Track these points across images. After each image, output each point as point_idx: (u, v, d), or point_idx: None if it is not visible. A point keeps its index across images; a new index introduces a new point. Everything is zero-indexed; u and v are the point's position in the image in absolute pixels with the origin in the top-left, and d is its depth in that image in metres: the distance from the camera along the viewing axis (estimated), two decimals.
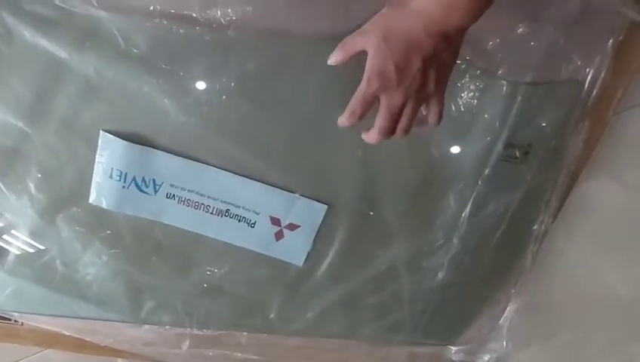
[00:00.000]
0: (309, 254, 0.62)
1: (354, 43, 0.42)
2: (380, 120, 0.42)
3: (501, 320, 0.67)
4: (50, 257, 0.62)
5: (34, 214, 0.59)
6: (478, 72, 0.48)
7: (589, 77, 0.49)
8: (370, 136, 0.44)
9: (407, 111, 0.41)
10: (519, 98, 0.49)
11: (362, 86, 0.41)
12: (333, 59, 0.43)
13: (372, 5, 0.45)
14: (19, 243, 0.62)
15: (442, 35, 0.37)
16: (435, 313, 0.66)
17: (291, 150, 0.54)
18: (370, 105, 0.42)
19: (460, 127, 0.51)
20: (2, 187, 0.57)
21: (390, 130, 0.42)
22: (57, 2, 0.46)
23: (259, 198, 0.57)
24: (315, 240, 0.60)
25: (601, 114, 0.53)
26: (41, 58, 0.49)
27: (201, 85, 0.50)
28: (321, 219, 0.59)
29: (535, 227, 0.59)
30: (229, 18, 0.46)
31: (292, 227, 0.60)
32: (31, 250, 0.62)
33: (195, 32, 0.47)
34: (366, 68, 0.40)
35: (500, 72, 0.48)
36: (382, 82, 0.39)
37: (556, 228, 0.61)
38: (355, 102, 0.42)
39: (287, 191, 0.57)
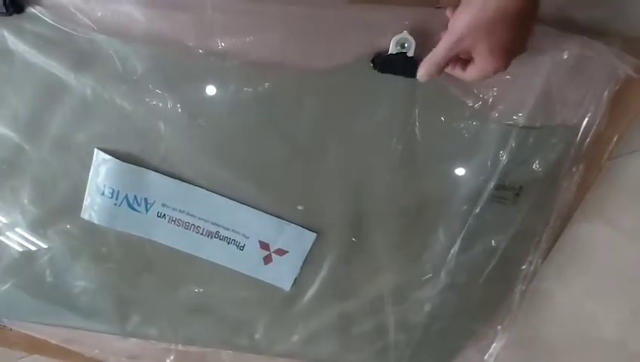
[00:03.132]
0: (296, 279, 0.62)
1: (448, 56, 0.41)
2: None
3: (486, 356, 0.66)
4: (40, 267, 0.63)
5: (25, 226, 0.60)
6: (472, 113, 0.48)
7: (584, 123, 0.48)
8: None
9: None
10: (512, 140, 0.49)
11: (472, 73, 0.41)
12: (423, 75, 0.43)
13: (367, 41, 0.46)
14: (10, 252, 0.63)
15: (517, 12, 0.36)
16: (420, 344, 0.65)
17: (283, 177, 0.54)
18: None
19: (452, 166, 0.51)
20: None
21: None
22: (57, 24, 0.47)
23: (249, 222, 0.58)
24: (303, 266, 0.61)
25: (596, 159, 0.52)
26: (40, 77, 0.50)
27: (195, 110, 0.51)
28: (310, 246, 0.59)
29: (524, 266, 0.59)
30: (225, 48, 0.47)
31: (281, 252, 0.60)
32: (22, 260, 0.63)
33: (191, 60, 0.47)
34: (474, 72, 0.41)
35: (494, 114, 0.48)
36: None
37: (546, 267, 0.61)
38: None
39: (277, 217, 0.57)
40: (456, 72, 0.43)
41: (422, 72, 0.43)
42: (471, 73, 0.42)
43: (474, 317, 0.64)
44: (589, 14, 0.44)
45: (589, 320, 0.64)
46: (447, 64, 0.42)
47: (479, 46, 0.39)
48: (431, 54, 0.42)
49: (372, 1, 0.44)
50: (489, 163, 0.50)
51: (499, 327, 0.64)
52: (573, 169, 0.52)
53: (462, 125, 0.48)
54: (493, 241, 0.56)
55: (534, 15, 0.39)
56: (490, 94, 0.47)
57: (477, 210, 0.53)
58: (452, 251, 0.57)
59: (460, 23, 0.39)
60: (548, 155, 0.50)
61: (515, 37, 0.38)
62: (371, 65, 0.45)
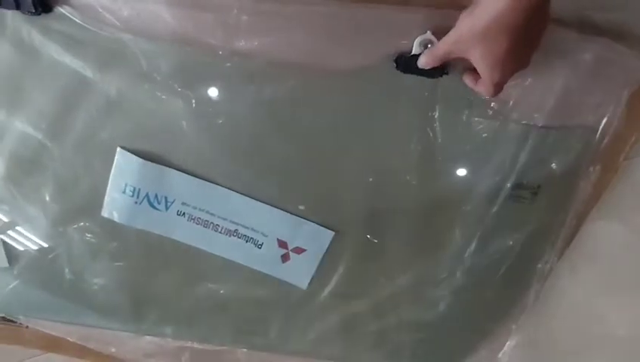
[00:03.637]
0: (313, 277, 0.62)
1: (448, 53, 0.42)
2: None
3: (500, 354, 0.67)
4: (59, 265, 0.64)
5: (46, 223, 0.60)
6: (491, 113, 0.49)
7: (603, 124, 0.49)
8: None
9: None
10: (531, 140, 0.49)
11: (486, 81, 0.42)
12: (423, 63, 0.45)
13: (390, 41, 0.46)
14: (30, 250, 0.63)
15: (530, 9, 0.36)
16: (434, 342, 0.66)
17: (302, 176, 0.55)
18: None
19: (470, 165, 0.52)
20: (17, 195, 0.59)
21: None
22: (85, 24, 0.47)
23: (268, 221, 0.58)
24: (320, 265, 0.61)
25: (613, 159, 0.53)
26: (66, 75, 0.50)
27: (217, 109, 0.51)
28: (328, 244, 0.59)
29: (540, 265, 0.60)
30: (249, 48, 0.47)
31: (298, 250, 0.60)
32: (41, 257, 0.63)
33: (215, 59, 0.48)
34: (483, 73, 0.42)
35: (513, 114, 0.48)
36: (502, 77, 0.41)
37: (561, 266, 0.61)
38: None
39: (296, 215, 0.58)
40: (471, 84, 0.45)
41: (422, 61, 0.45)
42: (479, 88, 0.44)
43: (488, 316, 0.64)
44: (610, 16, 0.45)
45: (603, 318, 0.64)
46: (447, 58, 0.43)
47: (475, 52, 0.40)
48: (434, 47, 0.44)
49: (395, 2, 0.44)
50: (507, 162, 0.51)
51: (513, 326, 0.65)
52: (591, 169, 0.53)
53: (481, 125, 0.49)
54: (509, 240, 0.57)
55: (537, 31, 0.39)
56: (511, 94, 0.48)
57: (494, 209, 0.54)
58: (468, 250, 0.58)
59: (460, 25, 0.40)
60: (566, 155, 0.51)
61: (513, 50, 0.38)
62: (394, 65, 0.46)
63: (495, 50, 0.39)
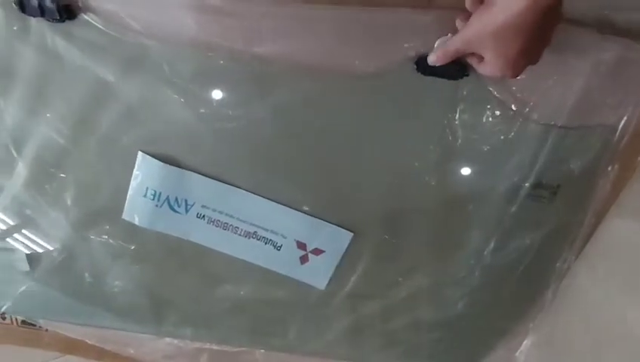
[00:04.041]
0: (331, 278, 0.63)
1: (459, 51, 0.43)
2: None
3: (517, 353, 0.67)
4: (79, 268, 0.64)
5: (68, 226, 0.61)
6: (511, 113, 0.49)
7: (622, 123, 0.49)
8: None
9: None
10: (550, 140, 0.50)
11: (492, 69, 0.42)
12: (433, 60, 0.44)
13: (411, 44, 0.47)
14: (50, 253, 0.64)
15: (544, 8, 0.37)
16: (451, 342, 0.66)
17: (321, 178, 0.56)
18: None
19: (490, 164, 0.52)
20: (40, 199, 0.59)
21: None
22: (107, 30, 0.48)
23: (287, 223, 0.59)
24: (338, 265, 0.62)
25: (631, 158, 0.53)
26: (88, 81, 0.51)
27: (237, 113, 0.52)
28: (346, 245, 0.60)
29: (557, 264, 0.60)
30: (271, 52, 0.48)
31: (317, 252, 0.61)
32: (62, 261, 0.64)
33: (237, 64, 0.49)
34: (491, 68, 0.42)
35: (533, 114, 0.49)
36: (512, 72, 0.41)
37: (579, 264, 0.62)
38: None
39: (315, 217, 0.58)
40: (473, 63, 0.44)
41: (432, 58, 0.45)
42: (482, 70, 0.44)
43: (506, 315, 0.65)
44: (629, 16, 0.45)
45: (622, 317, 0.64)
46: (458, 55, 0.44)
47: (486, 51, 0.41)
48: (445, 45, 0.44)
49: (416, 4, 0.45)
50: (527, 162, 0.51)
51: (530, 325, 0.65)
52: (609, 168, 0.53)
53: (501, 125, 0.49)
54: (527, 239, 0.57)
55: (549, 29, 0.40)
56: (531, 95, 0.48)
57: (513, 209, 0.54)
58: (487, 250, 0.58)
59: (471, 24, 0.40)
60: (585, 154, 0.51)
61: (524, 48, 0.39)
62: (415, 67, 0.46)
63: (509, 50, 0.39)
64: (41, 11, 0.47)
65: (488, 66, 0.42)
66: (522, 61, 0.41)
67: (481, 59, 0.43)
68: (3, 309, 0.71)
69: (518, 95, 0.48)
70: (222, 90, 0.51)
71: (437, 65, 0.45)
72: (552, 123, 0.49)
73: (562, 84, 0.47)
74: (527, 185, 0.52)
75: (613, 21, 0.45)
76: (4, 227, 0.62)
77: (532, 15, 0.37)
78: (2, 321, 0.73)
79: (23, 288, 0.67)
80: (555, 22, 0.40)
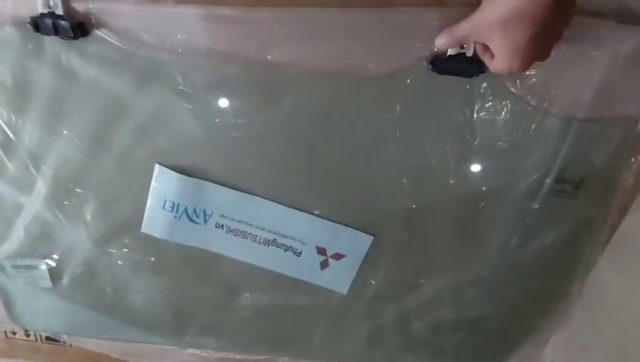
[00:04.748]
0: (353, 282, 0.62)
1: (466, 37, 0.42)
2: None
3: (545, 350, 0.66)
4: (101, 283, 0.65)
5: (88, 241, 0.61)
6: (530, 108, 0.48)
7: None
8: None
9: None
10: (571, 134, 0.49)
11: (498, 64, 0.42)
12: (441, 43, 0.44)
13: (425, 43, 0.46)
14: (72, 268, 0.64)
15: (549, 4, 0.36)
16: (477, 342, 0.66)
17: (339, 182, 0.55)
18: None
19: (510, 161, 0.51)
20: (60, 216, 0.60)
21: None
22: (120, 44, 0.48)
23: (306, 229, 0.59)
24: (359, 269, 0.61)
25: None
26: (104, 96, 0.51)
27: (252, 121, 0.52)
28: (367, 249, 0.59)
29: (583, 259, 0.59)
30: (284, 58, 0.48)
31: (338, 256, 0.61)
32: (83, 276, 0.64)
33: (249, 72, 0.49)
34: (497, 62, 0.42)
35: (553, 108, 0.48)
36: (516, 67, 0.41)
37: (605, 258, 0.61)
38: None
39: (334, 221, 0.58)
40: (485, 60, 0.44)
41: (439, 42, 0.44)
42: (492, 66, 0.43)
43: (532, 311, 0.64)
44: None
45: None
46: (465, 41, 0.43)
47: (493, 42, 0.40)
48: (453, 29, 0.43)
49: (429, 3, 0.45)
50: (548, 157, 0.50)
51: (557, 322, 0.64)
52: (632, 159, 0.52)
53: (520, 121, 0.49)
54: (551, 235, 0.56)
55: (559, 23, 0.39)
56: (549, 89, 0.47)
57: (536, 205, 0.53)
58: (510, 247, 0.57)
59: (481, 9, 0.40)
60: (607, 146, 0.50)
61: (532, 41, 0.38)
62: (430, 67, 0.46)
63: (515, 40, 0.39)
64: (55, 30, 0.47)
65: (496, 59, 0.41)
66: (530, 54, 0.40)
67: (491, 55, 0.43)
68: (27, 326, 0.71)
69: (535, 90, 0.47)
70: (236, 99, 0.51)
71: (445, 48, 0.44)
72: (572, 116, 0.48)
73: (581, 77, 0.46)
74: (548, 180, 0.51)
75: (631, 9, 0.45)
76: (25, 244, 0.62)
77: (539, 7, 0.36)
78: (27, 338, 0.73)
79: (46, 304, 0.68)
80: (567, 16, 0.39)
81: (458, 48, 0.45)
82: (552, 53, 0.42)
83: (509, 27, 0.38)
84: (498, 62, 0.42)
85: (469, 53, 0.44)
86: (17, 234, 0.62)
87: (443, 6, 0.44)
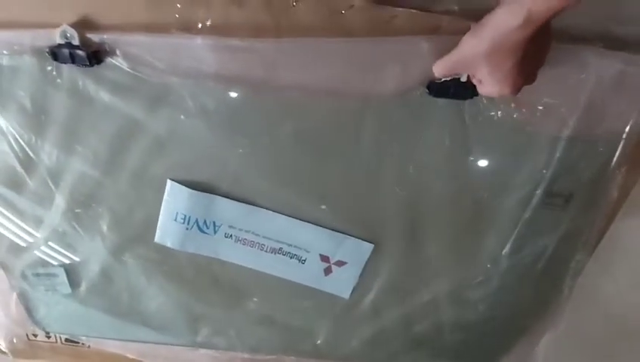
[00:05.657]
0: (354, 287, 0.66)
1: (458, 67, 0.45)
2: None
3: (537, 349, 0.70)
4: (117, 289, 0.69)
5: (104, 251, 0.65)
6: (520, 127, 0.51)
7: (628, 128, 0.51)
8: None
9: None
10: (559, 151, 0.51)
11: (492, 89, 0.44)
12: (436, 72, 0.47)
13: (421, 69, 0.49)
14: (90, 275, 0.68)
15: (532, 25, 0.38)
16: (474, 342, 0.69)
17: (342, 195, 0.58)
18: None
19: (502, 176, 0.54)
20: (78, 228, 0.63)
21: None
22: (132, 71, 0.51)
23: (310, 238, 0.62)
24: (361, 275, 0.65)
25: (638, 159, 0.55)
26: (118, 119, 0.54)
27: (259, 140, 0.55)
28: (368, 256, 0.63)
29: (572, 264, 0.62)
30: (287, 81, 0.51)
31: (340, 264, 0.64)
32: (100, 283, 0.68)
33: (255, 95, 0.51)
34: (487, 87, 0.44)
35: (542, 126, 0.51)
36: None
37: (593, 262, 0.64)
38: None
39: (337, 231, 0.61)
40: (475, 83, 0.46)
41: (436, 71, 0.47)
42: (482, 90, 0.46)
43: (525, 313, 0.67)
44: (630, 30, 0.47)
45: (633, 311, 0.66)
46: (454, 72, 0.46)
47: (481, 71, 0.43)
48: (445, 60, 0.45)
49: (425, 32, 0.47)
50: (538, 172, 0.53)
51: (548, 322, 0.68)
52: (617, 171, 0.55)
53: (511, 139, 0.52)
54: (543, 242, 0.59)
55: (541, 48, 0.42)
56: (537, 110, 0.50)
57: (529, 217, 0.56)
58: (503, 254, 0.60)
59: (463, 45, 0.43)
60: (595, 161, 0.53)
61: (518, 67, 0.41)
62: (427, 91, 0.49)
63: (501, 68, 0.41)
64: (72, 59, 0.50)
65: (485, 85, 0.44)
66: (517, 79, 0.42)
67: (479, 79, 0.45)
68: (48, 329, 0.76)
69: (524, 110, 0.50)
70: (242, 120, 0.54)
71: (439, 77, 0.47)
72: (559, 135, 0.51)
73: (567, 98, 0.49)
74: (540, 194, 0.55)
75: (616, 34, 0.47)
76: (47, 254, 0.66)
77: (523, 34, 0.38)
78: (47, 340, 0.77)
79: (66, 309, 0.72)
80: (545, 43, 0.42)
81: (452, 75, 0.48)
82: (539, 77, 0.45)
83: (494, 57, 0.41)
84: (488, 87, 0.44)
85: (463, 79, 0.47)
86: (38, 245, 0.65)
87: (439, 34, 0.47)
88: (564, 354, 0.69)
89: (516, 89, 0.44)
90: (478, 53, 0.41)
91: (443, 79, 0.48)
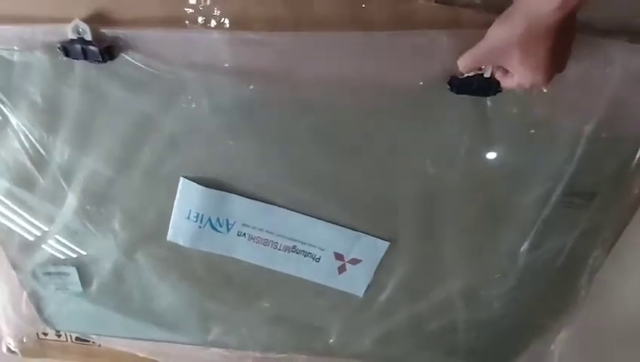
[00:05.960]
0: (369, 285, 0.65)
1: (486, 59, 0.44)
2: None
3: (552, 346, 0.69)
4: (129, 287, 0.68)
5: (116, 249, 0.64)
6: (543, 124, 0.50)
7: None
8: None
9: None
10: (583, 148, 0.51)
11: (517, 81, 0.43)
12: (462, 67, 0.45)
13: (443, 64, 0.48)
14: (102, 273, 0.67)
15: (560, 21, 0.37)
16: (489, 340, 0.69)
17: (356, 192, 0.58)
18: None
19: (522, 175, 0.53)
20: (89, 226, 0.63)
21: None
22: (146, 67, 0.50)
23: (324, 236, 0.61)
24: (375, 273, 0.64)
25: None
26: (131, 115, 0.53)
27: (275, 136, 0.54)
28: (383, 254, 0.62)
29: (590, 261, 0.61)
30: (305, 77, 0.49)
31: (354, 261, 0.63)
32: (112, 281, 0.68)
33: (272, 89, 0.50)
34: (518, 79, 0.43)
35: (565, 123, 0.50)
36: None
37: (609, 261, 0.63)
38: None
39: (351, 228, 0.60)
40: (499, 77, 0.45)
41: (462, 65, 0.45)
42: (507, 83, 0.45)
43: (541, 311, 0.67)
44: None
45: None
46: (482, 63, 0.45)
47: (511, 60, 0.41)
48: (472, 52, 0.44)
49: (447, 26, 0.46)
50: (560, 169, 0.52)
51: (564, 320, 0.67)
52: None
53: (534, 135, 0.51)
54: (561, 242, 0.58)
55: (569, 37, 0.41)
56: (560, 106, 0.49)
57: (548, 215, 0.55)
58: (521, 252, 0.60)
59: (492, 34, 0.41)
60: (617, 161, 0.52)
61: (550, 51, 0.40)
62: (448, 87, 0.48)
63: (535, 54, 0.40)
64: (85, 55, 0.49)
65: (516, 76, 0.43)
66: (551, 65, 0.41)
67: (505, 72, 0.44)
68: (58, 327, 0.75)
69: (548, 107, 0.49)
70: (258, 115, 0.53)
71: (467, 71, 0.46)
72: (582, 133, 0.50)
73: (590, 94, 0.48)
74: (560, 192, 0.54)
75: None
76: (59, 252, 0.65)
77: (559, 16, 0.37)
78: (58, 338, 0.77)
79: (76, 307, 0.71)
80: (573, 30, 0.41)
81: (475, 70, 0.47)
82: (564, 71, 0.44)
83: (527, 44, 0.40)
84: (520, 78, 0.43)
85: (487, 75, 0.46)
86: (49, 243, 0.65)
87: (460, 28, 0.46)
88: (580, 352, 0.68)
89: (549, 77, 0.42)
90: (510, 41, 0.40)
91: (466, 75, 0.47)
